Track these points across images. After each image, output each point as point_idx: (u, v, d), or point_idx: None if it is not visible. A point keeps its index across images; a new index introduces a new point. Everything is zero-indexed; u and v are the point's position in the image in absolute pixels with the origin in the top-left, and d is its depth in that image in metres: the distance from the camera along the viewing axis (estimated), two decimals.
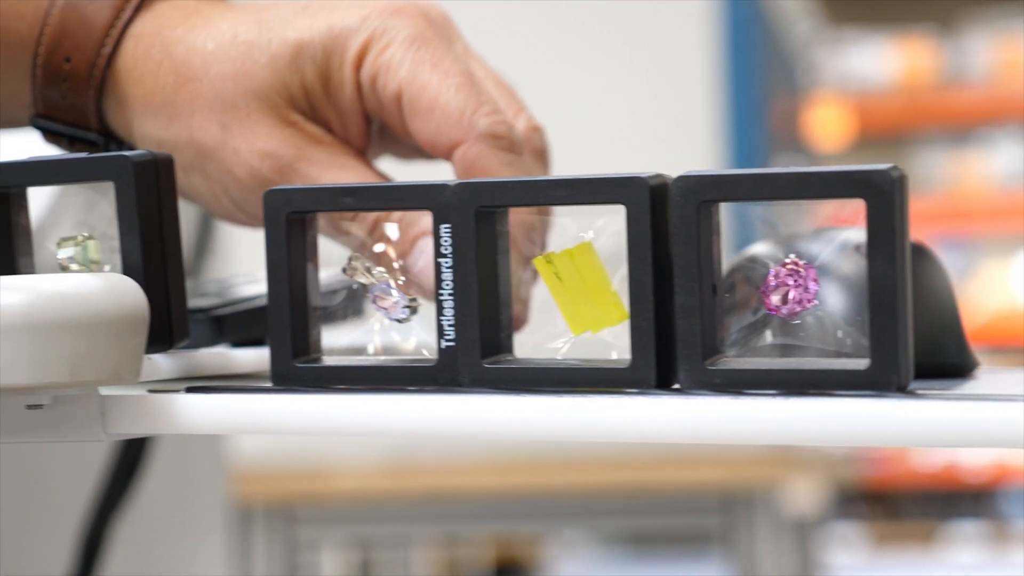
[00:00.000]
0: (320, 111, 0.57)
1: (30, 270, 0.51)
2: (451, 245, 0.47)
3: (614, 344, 0.48)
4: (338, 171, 0.57)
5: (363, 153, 0.58)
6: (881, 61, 4.09)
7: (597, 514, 2.47)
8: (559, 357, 0.48)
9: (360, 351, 0.51)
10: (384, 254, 0.51)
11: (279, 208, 0.49)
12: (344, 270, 0.50)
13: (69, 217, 0.55)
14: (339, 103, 0.57)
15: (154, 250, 0.49)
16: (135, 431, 0.48)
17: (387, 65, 0.56)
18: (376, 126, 0.59)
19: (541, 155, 0.59)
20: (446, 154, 0.57)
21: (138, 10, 0.57)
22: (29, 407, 0.48)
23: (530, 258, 0.51)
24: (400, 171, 0.61)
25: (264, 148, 0.56)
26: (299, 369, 0.49)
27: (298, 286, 0.49)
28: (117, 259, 0.51)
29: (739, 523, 2.18)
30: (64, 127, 0.58)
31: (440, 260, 0.47)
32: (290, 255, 0.49)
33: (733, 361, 0.46)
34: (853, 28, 4.11)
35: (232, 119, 0.56)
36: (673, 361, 0.46)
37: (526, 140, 0.58)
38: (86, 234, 0.50)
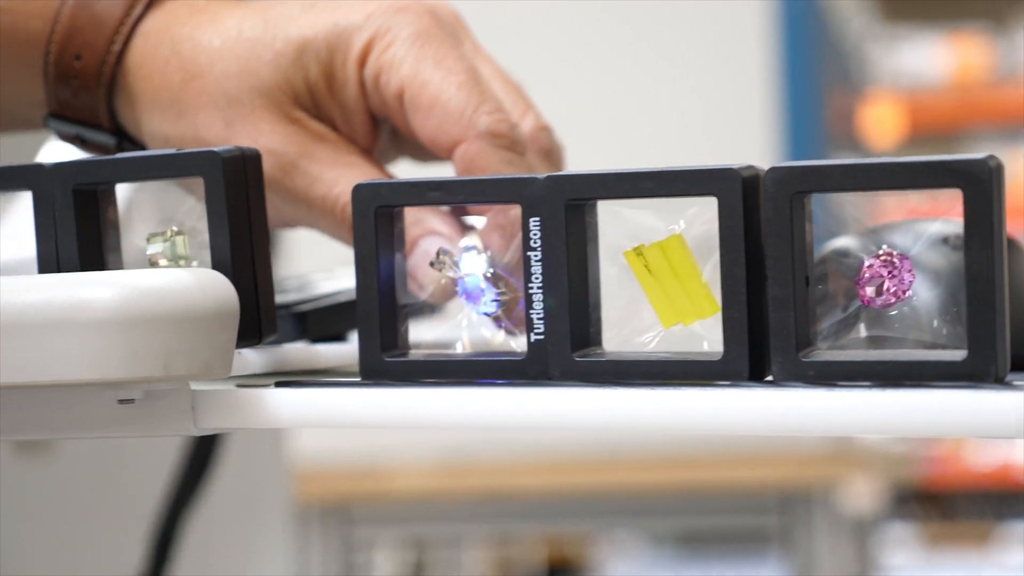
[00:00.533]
0: (324, 108, 0.57)
1: (118, 265, 0.52)
2: (540, 238, 0.47)
3: (704, 336, 0.48)
4: (342, 168, 0.57)
5: (369, 151, 0.58)
6: (934, 58, 4.06)
7: (650, 513, 2.46)
8: (649, 350, 0.48)
9: (447, 345, 0.51)
10: (477, 249, 0.51)
11: (367, 202, 0.49)
12: (432, 264, 0.50)
13: (152, 212, 0.56)
14: (343, 100, 0.57)
15: (243, 245, 0.49)
16: (225, 425, 0.48)
17: (390, 62, 0.56)
18: (387, 128, 0.59)
19: (548, 154, 0.59)
20: (447, 152, 0.56)
21: (148, 8, 0.58)
22: (121, 401, 0.48)
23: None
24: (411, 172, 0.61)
25: (267, 145, 0.56)
26: (388, 363, 0.49)
27: (386, 280, 0.49)
28: (203, 254, 0.51)
29: (797, 522, 2.17)
30: (76, 127, 0.59)
31: (529, 253, 0.47)
32: (378, 249, 0.49)
33: (827, 353, 0.45)
34: (906, 25, 4.08)
35: (236, 116, 0.56)
36: (766, 353, 0.45)
37: (533, 139, 0.58)
38: (175, 229, 0.51)
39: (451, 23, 0.58)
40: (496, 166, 0.55)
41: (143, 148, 0.59)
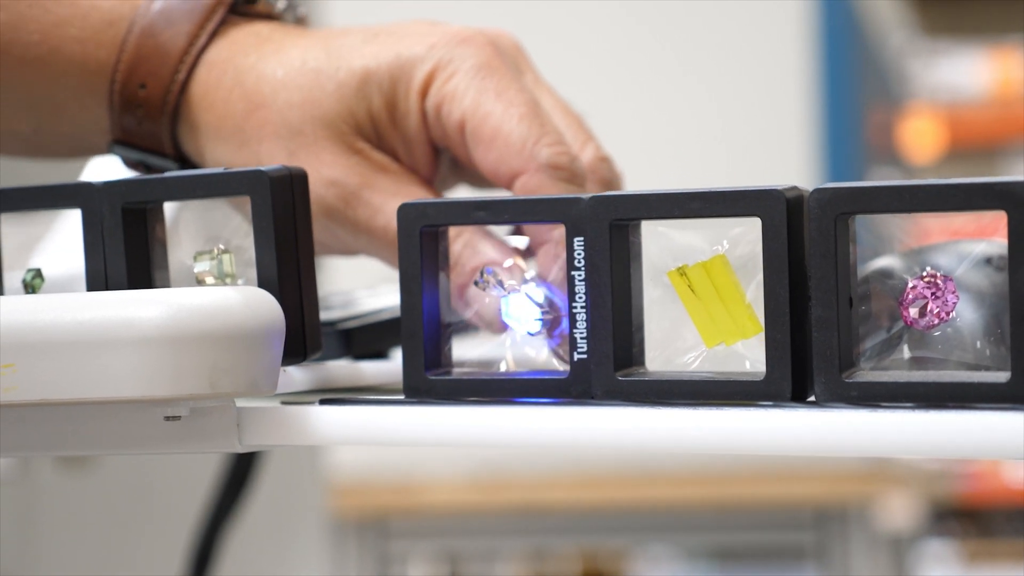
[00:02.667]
0: (386, 139, 0.58)
1: (166, 283, 0.52)
2: (584, 258, 0.47)
3: (746, 355, 0.48)
4: (403, 200, 0.56)
5: (430, 182, 0.59)
6: (974, 72, 4.05)
7: (685, 528, 2.46)
8: (692, 369, 0.48)
9: (491, 364, 0.51)
10: (515, 267, 0.51)
11: (413, 222, 0.49)
12: (476, 283, 0.50)
13: (199, 230, 0.56)
14: (405, 131, 0.58)
15: (289, 263, 0.49)
16: (271, 442, 0.49)
17: (452, 94, 0.56)
18: (447, 156, 0.59)
19: (609, 186, 0.59)
20: (508, 183, 0.57)
21: (212, 37, 0.58)
22: (167, 418, 0.48)
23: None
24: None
25: (329, 176, 0.56)
26: (431, 381, 0.49)
27: (431, 299, 0.49)
28: (249, 272, 0.52)
29: (833, 539, 2.16)
30: (140, 153, 0.59)
31: (573, 273, 0.48)
32: (423, 268, 0.49)
33: (870, 374, 0.45)
34: (946, 39, 4.07)
35: (299, 146, 0.57)
36: (809, 374, 0.45)
37: (593, 170, 0.58)
38: (222, 247, 0.51)
39: (512, 54, 0.59)
40: None
41: None
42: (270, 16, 0.60)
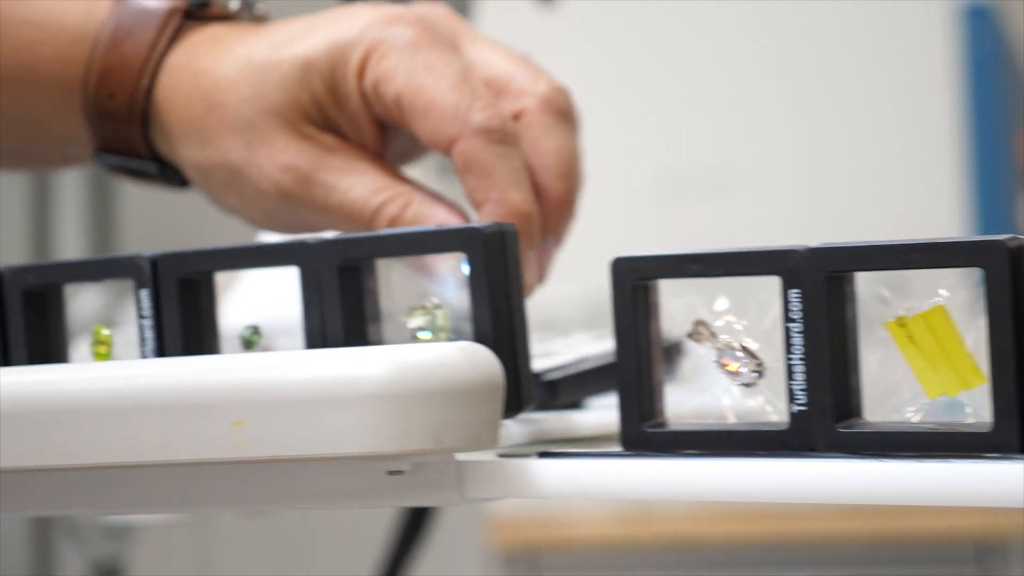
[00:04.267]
0: (333, 121, 0.61)
1: (379, 336, 0.53)
2: (801, 310, 0.47)
3: (965, 403, 0.47)
4: (355, 176, 0.60)
5: (380, 156, 0.62)
6: None
7: (838, 563, 2.43)
8: (914, 421, 0.48)
9: (704, 416, 0.51)
10: (729, 320, 0.51)
11: (626, 276, 0.49)
12: (689, 335, 0.51)
13: (405, 283, 0.57)
14: (348, 112, 0.61)
15: (503, 317, 0.50)
16: (491, 495, 0.49)
17: (386, 72, 0.60)
18: (404, 132, 0.62)
19: (565, 115, 0.62)
20: (446, 150, 0.60)
21: (170, 44, 0.62)
22: (390, 473, 0.49)
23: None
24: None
25: (284, 162, 0.60)
26: (648, 434, 0.49)
27: (645, 351, 0.50)
28: (461, 326, 0.53)
29: (993, 573, 2.12)
30: (120, 158, 0.64)
31: (789, 325, 0.48)
32: (637, 321, 0.49)
33: None
34: None
35: (254, 138, 0.61)
36: None
37: (549, 100, 0.61)
38: (435, 301, 0.52)
39: (445, 26, 0.62)
40: (492, 160, 0.59)
41: (180, 174, 0.64)
42: (225, 17, 0.64)
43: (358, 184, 0.60)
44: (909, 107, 2.30)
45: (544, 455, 0.49)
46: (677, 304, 0.53)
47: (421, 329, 0.52)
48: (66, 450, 0.49)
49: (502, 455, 0.50)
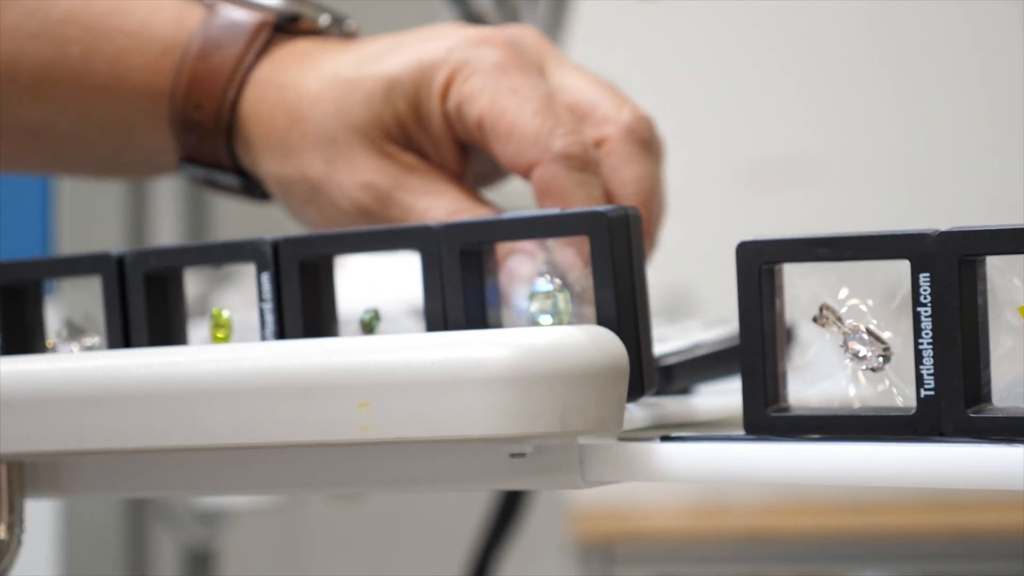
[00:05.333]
0: (414, 141, 0.61)
1: (498, 322, 0.53)
2: (930, 294, 0.47)
3: None
4: (433, 197, 0.61)
5: (460, 177, 0.62)
6: None
7: (901, 557, 2.41)
8: None
9: (824, 403, 0.51)
10: (854, 304, 0.51)
11: (752, 260, 0.49)
12: (815, 319, 0.50)
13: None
14: (431, 132, 0.61)
15: (627, 301, 0.50)
16: (613, 479, 0.49)
17: (470, 94, 0.60)
18: (486, 155, 0.62)
19: (647, 144, 0.61)
20: (525, 174, 0.60)
21: (259, 57, 0.63)
22: (512, 455, 0.49)
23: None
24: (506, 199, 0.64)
25: (364, 180, 0.60)
26: (772, 418, 0.49)
27: (770, 335, 0.49)
28: (582, 310, 0.53)
29: None
30: (205, 170, 0.64)
31: (919, 309, 0.47)
32: (762, 305, 0.49)
33: None
34: None
35: (335, 155, 0.61)
36: None
37: (632, 129, 0.61)
38: (558, 283, 0.52)
39: (532, 50, 0.62)
40: (570, 186, 0.59)
41: (262, 187, 0.65)
42: (315, 32, 0.65)
43: (436, 205, 0.61)
44: (991, 94, 2.28)
45: (666, 439, 0.49)
46: (800, 288, 0.53)
47: (543, 312, 0.52)
48: (194, 431, 0.49)
49: (623, 439, 0.50)
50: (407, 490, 0.51)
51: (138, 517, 1.09)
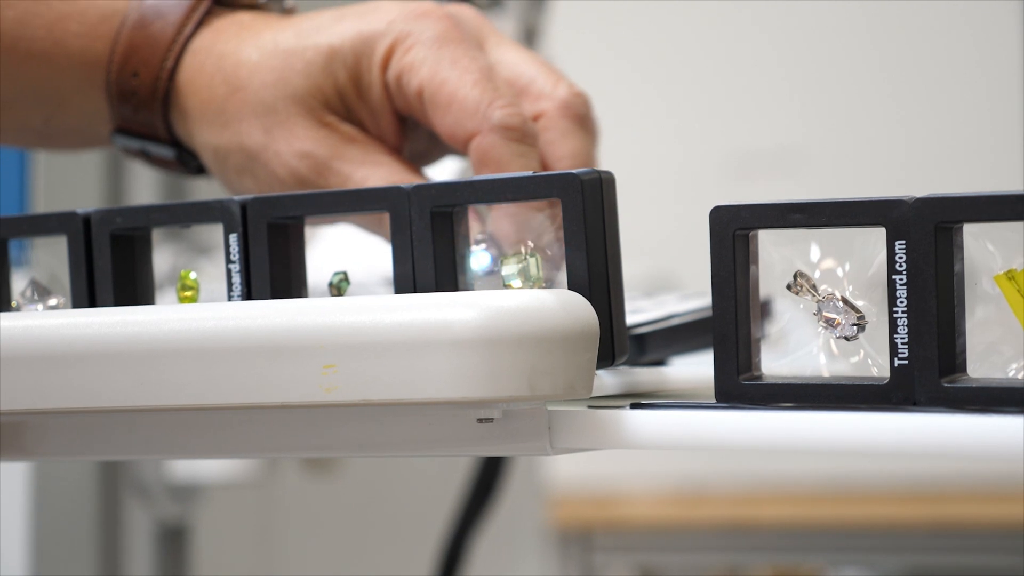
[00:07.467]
0: (354, 111, 0.62)
1: (469, 287, 0.52)
2: (906, 261, 0.46)
3: None
4: (370, 168, 0.61)
5: (398, 150, 0.62)
6: None
7: (885, 549, 2.41)
8: (1020, 377, 0.46)
9: (799, 370, 0.50)
10: (829, 270, 0.50)
11: (726, 225, 0.49)
12: (789, 287, 0.50)
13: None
14: (370, 103, 0.61)
15: (599, 266, 0.49)
16: (581, 446, 0.49)
17: (410, 65, 0.60)
18: (424, 130, 0.62)
19: (583, 120, 0.62)
20: (463, 145, 0.60)
21: (198, 27, 0.63)
22: (480, 420, 0.49)
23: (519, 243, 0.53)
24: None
25: (302, 148, 0.61)
26: (744, 386, 0.48)
27: (743, 302, 0.49)
28: (553, 275, 0.52)
29: None
30: (139, 141, 0.64)
31: (894, 277, 0.47)
32: (736, 271, 0.49)
33: None
34: None
35: (273, 123, 0.61)
36: None
37: (568, 105, 0.61)
38: (531, 247, 0.51)
39: (472, 25, 0.62)
40: (508, 157, 0.59)
41: (196, 160, 0.64)
42: (254, 6, 0.65)
43: (373, 175, 0.61)
44: (982, 86, 2.27)
45: (636, 406, 0.49)
46: (775, 259, 0.53)
47: (512, 277, 0.51)
48: (158, 392, 0.49)
49: (592, 407, 0.49)
50: (374, 454, 0.51)
51: (111, 491, 1.08)
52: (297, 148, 0.61)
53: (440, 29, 0.60)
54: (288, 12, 0.66)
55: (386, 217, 0.58)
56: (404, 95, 0.61)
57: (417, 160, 0.65)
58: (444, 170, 0.66)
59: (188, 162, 0.65)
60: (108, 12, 0.63)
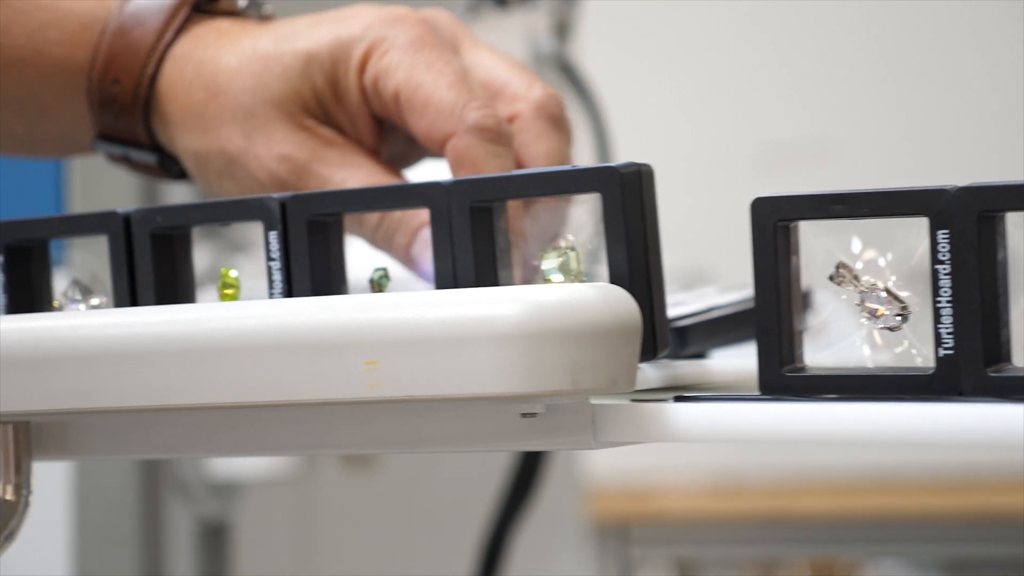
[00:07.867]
0: (331, 115, 0.62)
1: (510, 281, 0.52)
2: (949, 251, 0.46)
3: None
4: (349, 170, 0.61)
5: (376, 152, 0.63)
6: None
7: (921, 540, 2.40)
8: None
9: (843, 362, 0.50)
10: (871, 261, 0.50)
11: (767, 217, 0.48)
12: (831, 278, 0.49)
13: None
14: (348, 107, 0.62)
15: (640, 259, 0.49)
16: (625, 439, 0.49)
17: (386, 69, 0.61)
18: (401, 133, 0.63)
19: (557, 121, 0.63)
20: (440, 147, 0.60)
21: (178, 34, 0.63)
22: (523, 415, 0.49)
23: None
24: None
25: (281, 152, 0.61)
26: (788, 378, 0.48)
27: (785, 293, 0.48)
28: (594, 269, 0.52)
29: None
30: (121, 147, 0.64)
31: (937, 267, 0.46)
32: (778, 263, 0.48)
33: None
34: None
35: (253, 128, 0.62)
36: None
37: (543, 106, 0.62)
38: (571, 241, 0.51)
39: (447, 30, 0.63)
40: (483, 158, 0.59)
41: (179, 165, 0.65)
42: (232, 13, 0.65)
43: (352, 178, 0.61)
44: (1015, 74, 2.26)
45: (680, 399, 0.48)
46: (816, 250, 0.52)
47: (553, 271, 0.51)
48: (200, 390, 0.49)
49: (635, 400, 0.49)
50: (417, 451, 0.51)
51: (152, 489, 1.09)
52: (276, 152, 0.61)
53: (415, 34, 0.61)
54: (266, 19, 0.67)
55: (363, 217, 0.60)
56: (381, 98, 0.61)
57: (395, 162, 0.65)
58: (422, 173, 0.67)
59: (170, 167, 0.65)
60: (88, 20, 0.64)
